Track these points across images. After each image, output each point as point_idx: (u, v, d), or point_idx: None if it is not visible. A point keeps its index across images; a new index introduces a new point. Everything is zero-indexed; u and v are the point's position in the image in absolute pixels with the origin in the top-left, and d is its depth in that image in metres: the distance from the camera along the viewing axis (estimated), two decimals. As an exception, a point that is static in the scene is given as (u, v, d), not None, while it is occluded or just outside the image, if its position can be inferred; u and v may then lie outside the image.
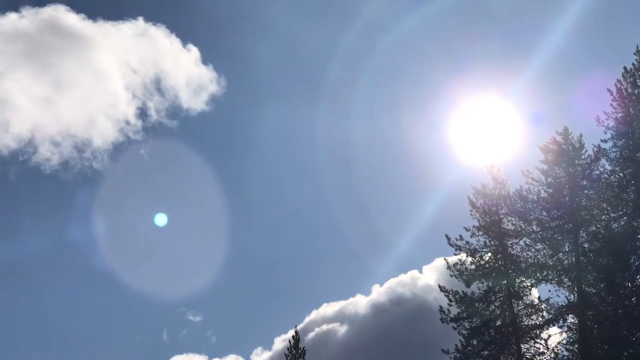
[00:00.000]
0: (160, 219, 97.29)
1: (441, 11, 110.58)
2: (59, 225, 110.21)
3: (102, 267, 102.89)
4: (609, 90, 47.45)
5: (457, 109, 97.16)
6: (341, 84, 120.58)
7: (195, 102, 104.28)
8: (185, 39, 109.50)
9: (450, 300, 47.57)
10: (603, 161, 47.23)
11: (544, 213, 47.58)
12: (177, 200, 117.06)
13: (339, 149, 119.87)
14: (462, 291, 47.51)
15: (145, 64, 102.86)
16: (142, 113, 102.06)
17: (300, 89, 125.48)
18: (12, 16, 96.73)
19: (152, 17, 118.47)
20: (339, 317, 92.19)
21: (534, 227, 47.63)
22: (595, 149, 47.13)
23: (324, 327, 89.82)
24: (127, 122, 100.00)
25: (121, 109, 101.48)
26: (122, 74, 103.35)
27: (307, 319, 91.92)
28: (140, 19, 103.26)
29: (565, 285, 46.47)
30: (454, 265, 48.32)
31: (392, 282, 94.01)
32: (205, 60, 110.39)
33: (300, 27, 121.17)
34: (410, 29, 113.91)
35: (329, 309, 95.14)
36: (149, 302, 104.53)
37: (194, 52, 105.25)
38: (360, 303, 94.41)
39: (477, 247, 48.18)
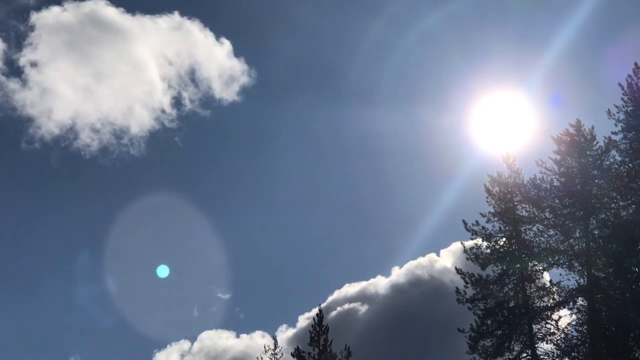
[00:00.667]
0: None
1: (459, 8, 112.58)
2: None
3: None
4: (620, 85, 48.96)
5: (474, 102, 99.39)
6: (365, 78, 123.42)
7: (227, 93, 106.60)
8: (218, 33, 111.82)
9: (466, 282, 48.85)
10: (613, 152, 48.55)
11: (557, 201, 48.64)
12: (210, 181, 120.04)
13: (364, 139, 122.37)
14: (478, 274, 48.80)
15: (181, 56, 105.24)
16: (177, 102, 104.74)
17: (326, 82, 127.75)
18: (55, 9, 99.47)
19: (187, 12, 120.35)
20: (360, 297, 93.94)
21: (547, 214, 48.66)
22: (606, 140, 48.40)
23: (346, 306, 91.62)
24: (163, 111, 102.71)
25: (157, 99, 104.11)
26: (159, 65, 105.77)
27: (329, 299, 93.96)
28: (176, 13, 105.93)
29: (576, 270, 47.59)
30: (470, 249, 49.61)
31: (411, 265, 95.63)
32: (237, 53, 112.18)
33: (325, 24, 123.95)
34: (430, 25, 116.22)
35: (350, 289, 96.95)
36: (182, 280, 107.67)
37: (226, 45, 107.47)
38: (380, 284, 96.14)
39: (492, 232, 49.39)
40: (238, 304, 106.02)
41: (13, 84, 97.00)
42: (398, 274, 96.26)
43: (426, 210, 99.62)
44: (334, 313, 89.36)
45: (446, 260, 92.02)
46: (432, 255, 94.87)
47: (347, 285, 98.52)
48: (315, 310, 48.14)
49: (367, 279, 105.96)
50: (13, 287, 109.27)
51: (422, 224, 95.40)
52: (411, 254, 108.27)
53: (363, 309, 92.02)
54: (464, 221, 50.23)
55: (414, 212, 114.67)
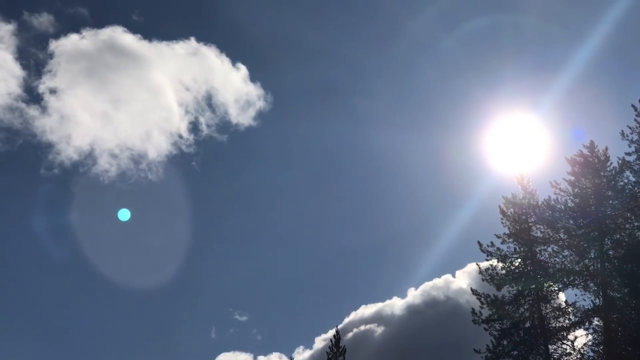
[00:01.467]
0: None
1: (475, 30, 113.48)
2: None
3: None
4: (632, 106, 49.34)
5: (489, 123, 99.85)
6: (380, 99, 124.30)
7: (243, 118, 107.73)
8: (234, 58, 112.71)
9: (482, 303, 49.03)
10: (627, 173, 48.83)
11: (571, 221, 48.84)
12: (227, 204, 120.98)
13: (379, 159, 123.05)
14: (493, 294, 48.91)
15: (198, 82, 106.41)
16: (194, 127, 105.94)
17: (341, 103, 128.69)
18: (73, 37, 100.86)
19: (203, 38, 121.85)
20: (376, 318, 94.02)
21: (562, 235, 48.92)
22: (619, 161, 48.79)
23: (362, 327, 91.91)
24: (180, 136, 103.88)
25: (174, 124, 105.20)
26: (176, 90, 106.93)
27: (346, 320, 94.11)
28: (192, 39, 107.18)
29: (591, 290, 47.72)
30: (485, 270, 49.79)
31: (426, 286, 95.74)
32: (253, 78, 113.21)
33: (340, 46, 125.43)
34: (445, 47, 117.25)
35: (366, 310, 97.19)
36: (200, 302, 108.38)
37: (242, 70, 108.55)
38: (396, 305, 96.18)
39: (507, 253, 49.58)
40: (255, 325, 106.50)
41: (33, 111, 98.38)
42: (414, 295, 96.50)
43: (441, 231, 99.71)
44: (350, 335, 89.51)
45: (462, 281, 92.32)
46: (448, 276, 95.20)
47: (363, 306, 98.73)
48: (331, 332, 48.64)
49: (383, 300, 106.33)
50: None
51: (437, 245, 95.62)
52: (427, 275, 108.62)
53: (379, 330, 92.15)
54: (479, 242, 50.49)
55: (429, 233, 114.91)
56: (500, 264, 49.55)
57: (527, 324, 48.38)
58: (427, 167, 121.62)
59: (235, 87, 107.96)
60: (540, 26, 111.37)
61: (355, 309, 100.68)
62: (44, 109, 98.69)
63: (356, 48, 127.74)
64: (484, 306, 49.11)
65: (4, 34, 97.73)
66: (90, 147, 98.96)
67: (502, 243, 49.98)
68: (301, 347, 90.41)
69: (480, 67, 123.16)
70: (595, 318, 47.36)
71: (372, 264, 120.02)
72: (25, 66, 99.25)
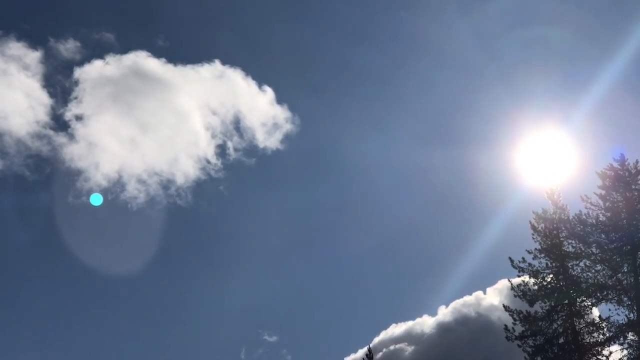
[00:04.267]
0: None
1: (504, 46, 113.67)
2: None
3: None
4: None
5: (518, 138, 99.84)
6: (409, 116, 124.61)
7: (270, 141, 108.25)
8: (260, 81, 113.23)
9: (515, 320, 48.87)
10: (658, 186, 48.16)
11: (603, 236, 48.53)
12: (255, 226, 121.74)
13: (409, 176, 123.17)
14: (526, 310, 48.76)
15: (225, 106, 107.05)
16: (222, 152, 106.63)
17: (369, 121, 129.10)
18: (97, 63, 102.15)
19: (228, 60, 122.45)
20: (406, 338, 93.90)
21: (594, 249, 48.66)
22: (651, 174, 48.26)
23: (392, 347, 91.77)
24: (208, 161, 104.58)
25: (202, 148, 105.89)
26: (202, 114, 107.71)
27: (375, 339, 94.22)
28: (217, 62, 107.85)
29: (625, 304, 47.34)
30: (517, 286, 49.68)
31: (457, 303, 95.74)
32: (280, 100, 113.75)
33: (367, 62, 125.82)
34: (474, 62, 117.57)
35: (397, 329, 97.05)
36: (230, 323, 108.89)
37: (269, 92, 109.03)
38: (426, 323, 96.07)
39: (539, 268, 49.42)
40: (285, 346, 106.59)
41: (61, 138, 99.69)
42: (444, 313, 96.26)
43: (471, 247, 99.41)
44: (379, 354, 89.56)
45: (493, 297, 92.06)
46: (479, 293, 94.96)
47: (393, 325, 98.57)
48: (361, 352, 49.04)
49: (413, 318, 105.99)
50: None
51: (467, 262, 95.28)
52: (457, 293, 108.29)
53: (409, 349, 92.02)
54: (510, 258, 50.33)
55: (459, 250, 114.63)
56: (533, 280, 49.40)
57: (561, 340, 48.18)
58: (457, 183, 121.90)
59: (262, 110, 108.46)
60: (570, 40, 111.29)
61: (385, 327, 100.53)
62: (71, 136, 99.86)
63: (384, 64, 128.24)
64: (517, 322, 48.97)
65: (31, 62, 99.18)
66: (117, 174, 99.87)
67: (533, 259, 49.88)
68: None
69: (510, 81, 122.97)
70: (630, 333, 46.98)
71: (402, 282, 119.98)
72: (52, 94, 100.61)
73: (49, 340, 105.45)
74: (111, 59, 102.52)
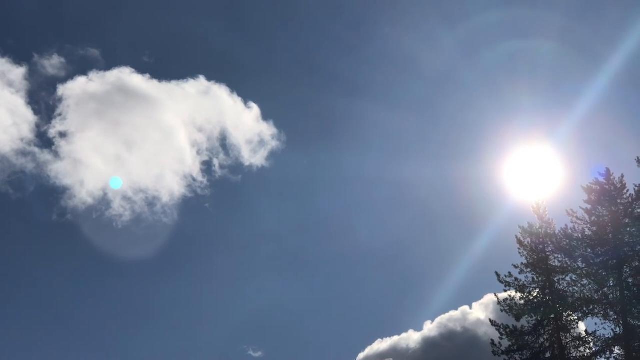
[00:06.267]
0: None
1: (490, 60, 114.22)
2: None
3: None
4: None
5: (504, 153, 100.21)
6: (394, 128, 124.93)
7: (256, 159, 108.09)
8: (246, 97, 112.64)
9: (501, 334, 48.77)
10: (644, 200, 48.26)
11: (589, 250, 48.64)
12: (241, 243, 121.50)
13: (394, 189, 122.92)
14: (513, 325, 48.72)
15: (211, 122, 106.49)
16: (208, 168, 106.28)
17: (355, 134, 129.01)
18: (80, 80, 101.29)
19: (213, 76, 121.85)
20: (392, 353, 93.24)
21: (580, 264, 48.78)
22: (636, 188, 48.45)
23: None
24: (193, 178, 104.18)
25: (187, 165, 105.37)
26: (187, 131, 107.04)
27: (360, 355, 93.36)
28: (202, 78, 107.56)
29: (611, 319, 47.47)
30: (504, 300, 49.58)
31: (442, 318, 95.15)
32: (265, 117, 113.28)
33: (355, 76, 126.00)
34: (460, 76, 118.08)
35: (382, 344, 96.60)
36: (214, 339, 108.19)
37: (254, 109, 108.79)
38: (412, 338, 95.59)
39: (525, 283, 49.47)
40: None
41: (45, 155, 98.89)
42: (430, 328, 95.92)
43: (457, 262, 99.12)
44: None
45: (479, 312, 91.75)
46: (465, 307, 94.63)
47: (378, 340, 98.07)
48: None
49: (398, 333, 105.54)
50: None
51: (453, 276, 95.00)
52: (443, 307, 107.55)
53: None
54: (496, 273, 50.32)
55: (445, 264, 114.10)
56: (519, 294, 49.43)
57: (548, 354, 48.17)
58: (443, 197, 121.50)
59: (247, 127, 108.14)
60: (556, 53, 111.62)
61: (371, 343, 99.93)
62: (55, 154, 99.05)
63: (371, 80, 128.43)
64: (504, 337, 48.90)
65: (15, 78, 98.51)
66: (102, 192, 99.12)
67: (520, 273, 49.98)
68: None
69: (496, 95, 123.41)
70: (616, 347, 47.03)
71: (387, 296, 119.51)
72: (36, 110, 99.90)
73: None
74: (95, 75, 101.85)
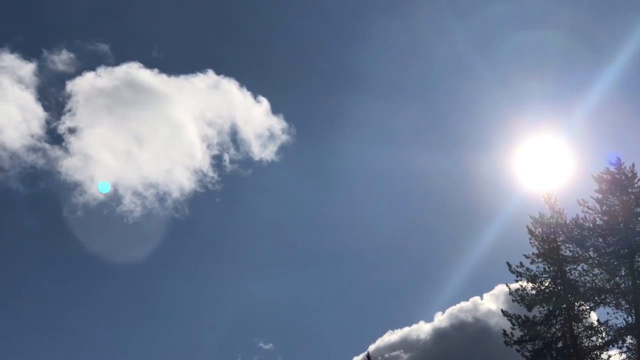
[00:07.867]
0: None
1: (500, 51, 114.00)
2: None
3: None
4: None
5: (515, 143, 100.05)
6: (405, 120, 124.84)
7: (266, 153, 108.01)
8: (255, 91, 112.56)
9: (513, 324, 48.99)
10: (655, 189, 48.19)
11: (600, 239, 48.59)
12: (251, 238, 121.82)
13: (405, 180, 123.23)
14: (524, 315, 48.87)
15: (220, 116, 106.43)
16: (218, 163, 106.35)
17: (366, 127, 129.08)
18: (89, 75, 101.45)
19: (222, 70, 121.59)
20: (402, 344, 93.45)
21: (591, 253, 48.73)
22: (647, 177, 48.30)
23: (387, 355, 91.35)
24: (204, 173, 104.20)
25: (197, 160, 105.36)
26: (197, 125, 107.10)
27: (371, 347, 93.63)
28: (211, 72, 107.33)
29: (623, 308, 47.38)
30: (515, 291, 49.72)
31: (453, 309, 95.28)
32: (275, 111, 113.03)
33: (364, 70, 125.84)
34: (471, 67, 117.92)
35: (392, 336, 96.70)
36: (225, 331, 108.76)
37: (264, 103, 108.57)
38: (422, 329, 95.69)
39: (537, 273, 49.46)
40: (280, 353, 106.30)
41: (56, 151, 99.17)
42: (440, 319, 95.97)
43: (468, 253, 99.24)
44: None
45: (490, 303, 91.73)
46: (476, 298, 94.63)
47: (389, 332, 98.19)
48: (357, 359, 48.48)
49: (409, 324, 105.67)
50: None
51: (464, 267, 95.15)
52: (454, 298, 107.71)
53: (405, 356, 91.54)
54: (508, 263, 50.35)
55: (456, 255, 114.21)
56: (530, 284, 49.46)
57: (560, 344, 48.24)
58: (454, 187, 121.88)
59: (257, 121, 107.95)
60: (567, 43, 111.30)
61: (381, 334, 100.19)
62: (65, 150, 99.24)
63: (381, 73, 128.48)
64: (515, 327, 49.07)
65: (25, 74, 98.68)
66: (113, 188, 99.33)
67: (531, 263, 49.95)
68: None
69: (507, 84, 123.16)
70: (629, 336, 47.00)
71: (397, 288, 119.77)
72: (46, 107, 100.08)
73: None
74: (103, 71, 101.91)
